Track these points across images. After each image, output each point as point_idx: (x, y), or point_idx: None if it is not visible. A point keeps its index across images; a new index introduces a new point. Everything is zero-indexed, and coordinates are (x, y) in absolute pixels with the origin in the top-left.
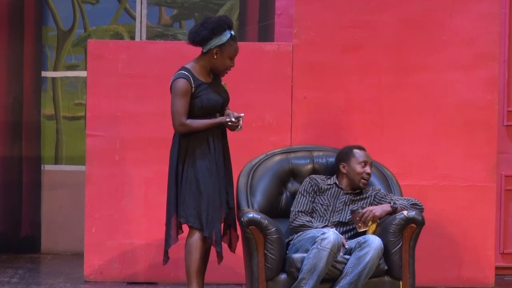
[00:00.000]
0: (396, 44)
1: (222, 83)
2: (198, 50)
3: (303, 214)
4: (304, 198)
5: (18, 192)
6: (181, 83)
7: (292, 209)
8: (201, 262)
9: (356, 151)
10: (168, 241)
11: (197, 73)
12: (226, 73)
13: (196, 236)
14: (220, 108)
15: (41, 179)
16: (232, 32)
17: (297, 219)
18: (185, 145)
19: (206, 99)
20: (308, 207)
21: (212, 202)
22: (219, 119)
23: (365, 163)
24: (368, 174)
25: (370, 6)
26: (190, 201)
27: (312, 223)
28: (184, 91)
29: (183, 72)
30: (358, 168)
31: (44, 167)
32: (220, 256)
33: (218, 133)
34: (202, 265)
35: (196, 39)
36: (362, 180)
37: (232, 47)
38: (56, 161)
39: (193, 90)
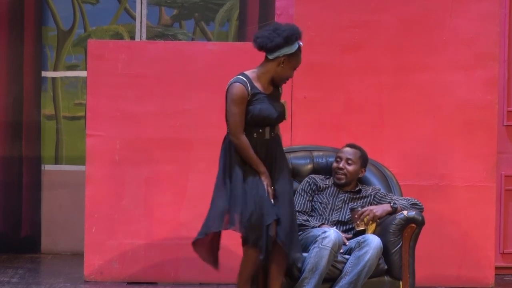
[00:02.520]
0: (396, 44)
1: (282, 101)
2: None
3: (300, 213)
4: (302, 197)
5: (18, 192)
6: (237, 89)
7: None
8: (252, 273)
9: (340, 149)
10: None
11: (256, 81)
12: (285, 83)
13: (252, 251)
14: (274, 122)
15: (41, 179)
16: (301, 43)
17: None
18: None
19: (258, 109)
20: (305, 206)
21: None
22: (264, 173)
23: (339, 158)
24: (340, 169)
25: (370, 6)
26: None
27: (309, 222)
28: (240, 97)
29: (240, 77)
30: (334, 164)
31: (44, 167)
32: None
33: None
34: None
35: (268, 45)
36: (336, 175)
37: (299, 58)
38: (56, 161)
39: (249, 97)
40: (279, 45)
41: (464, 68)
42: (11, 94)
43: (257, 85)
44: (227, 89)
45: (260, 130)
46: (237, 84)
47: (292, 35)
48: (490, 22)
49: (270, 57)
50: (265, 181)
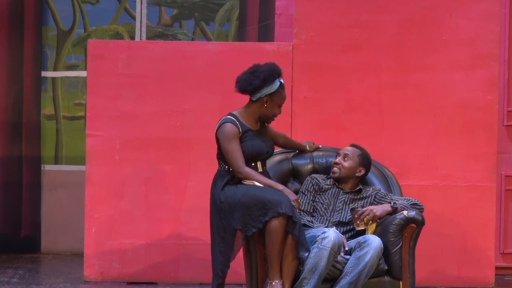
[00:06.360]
0: (396, 44)
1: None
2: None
3: (304, 213)
4: (306, 197)
5: (18, 192)
6: (228, 127)
7: None
8: (282, 246)
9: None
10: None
11: (244, 120)
12: (273, 119)
13: (275, 222)
14: (265, 157)
15: (41, 179)
16: (282, 80)
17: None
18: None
19: (250, 145)
20: (309, 206)
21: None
22: (285, 189)
23: (338, 154)
24: (336, 163)
25: (370, 6)
26: (252, 207)
27: (313, 223)
28: (233, 134)
29: (228, 117)
30: (333, 160)
31: (44, 167)
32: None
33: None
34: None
35: (248, 88)
36: (331, 170)
37: (282, 95)
38: (56, 161)
39: (240, 134)
40: (258, 87)
41: (464, 68)
42: (11, 94)
43: (245, 123)
44: (218, 130)
45: (253, 164)
46: (228, 123)
47: (270, 75)
48: (490, 22)
49: (253, 98)
50: (291, 196)
